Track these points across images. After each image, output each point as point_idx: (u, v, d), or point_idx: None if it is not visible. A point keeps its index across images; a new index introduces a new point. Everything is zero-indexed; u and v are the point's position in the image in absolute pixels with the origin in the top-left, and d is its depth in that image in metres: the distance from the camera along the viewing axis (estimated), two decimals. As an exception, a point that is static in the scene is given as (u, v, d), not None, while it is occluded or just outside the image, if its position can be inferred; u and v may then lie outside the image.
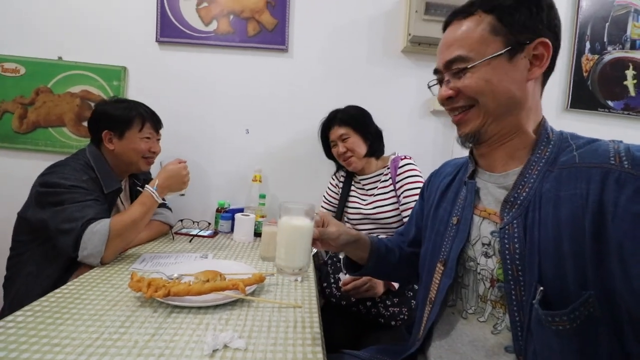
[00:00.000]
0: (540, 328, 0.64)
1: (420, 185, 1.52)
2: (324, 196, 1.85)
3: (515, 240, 0.71)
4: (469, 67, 0.75)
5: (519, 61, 0.74)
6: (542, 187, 0.70)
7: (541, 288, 0.64)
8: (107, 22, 1.92)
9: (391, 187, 1.61)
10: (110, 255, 1.25)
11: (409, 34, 1.83)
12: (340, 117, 1.66)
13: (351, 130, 1.64)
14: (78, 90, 1.92)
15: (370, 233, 1.62)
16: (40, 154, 1.88)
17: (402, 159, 1.63)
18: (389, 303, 1.43)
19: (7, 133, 1.90)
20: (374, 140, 1.67)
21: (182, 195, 1.54)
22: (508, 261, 0.71)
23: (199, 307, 0.98)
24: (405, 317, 1.42)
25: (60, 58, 1.92)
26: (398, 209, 1.57)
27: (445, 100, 0.81)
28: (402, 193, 1.55)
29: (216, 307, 0.99)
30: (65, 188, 1.28)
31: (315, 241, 0.92)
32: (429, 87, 0.90)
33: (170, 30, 1.91)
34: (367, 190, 1.70)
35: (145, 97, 1.54)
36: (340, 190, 1.80)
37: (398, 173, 1.59)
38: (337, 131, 1.66)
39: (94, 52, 1.91)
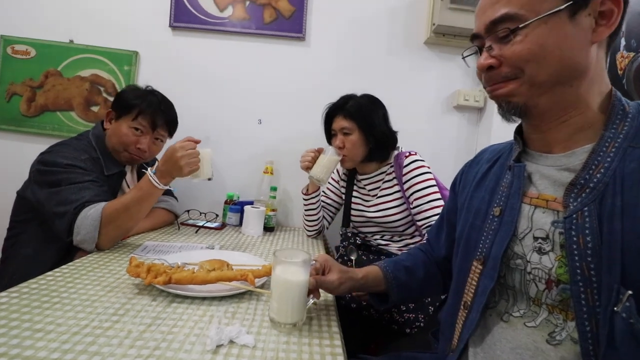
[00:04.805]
0: (636, 344, 0.52)
1: (432, 182, 1.42)
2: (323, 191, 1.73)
3: (587, 231, 0.59)
4: (520, 26, 0.62)
5: (582, 20, 0.61)
6: (623, 167, 0.59)
7: (630, 292, 0.52)
8: (120, 6, 1.87)
9: (396, 188, 1.48)
10: (106, 242, 1.17)
11: (433, 24, 1.75)
12: (350, 107, 1.48)
13: (355, 127, 1.47)
14: (88, 74, 1.87)
15: (375, 235, 1.55)
16: (47, 138, 1.84)
17: (406, 156, 1.47)
18: (404, 309, 1.32)
19: (15, 116, 1.86)
20: (378, 144, 1.49)
21: (210, 179, 1.34)
22: (576, 257, 0.59)
23: (203, 298, 0.90)
24: (422, 325, 1.31)
25: (71, 41, 1.88)
26: (406, 210, 1.45)
27: (484, 71, 0.68)
28: (411, 195, 1.42)
29: (222, 298, 0.91)
30: (62, 167, 1.22)
31: (313, 291, 0.85)
32: (463, 57, 0.77)
33: (184, 15, 1.85)
34: (369, 190, 1.57)
35: (157, 83, 1.47)
36: (344, 189, 1.69)
37: (404, 172, 1.45)
38: (341, 122, 1.50)
39: (106, 36, 1.87)
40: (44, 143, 1.37)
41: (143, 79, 1.85)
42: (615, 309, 0.53)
